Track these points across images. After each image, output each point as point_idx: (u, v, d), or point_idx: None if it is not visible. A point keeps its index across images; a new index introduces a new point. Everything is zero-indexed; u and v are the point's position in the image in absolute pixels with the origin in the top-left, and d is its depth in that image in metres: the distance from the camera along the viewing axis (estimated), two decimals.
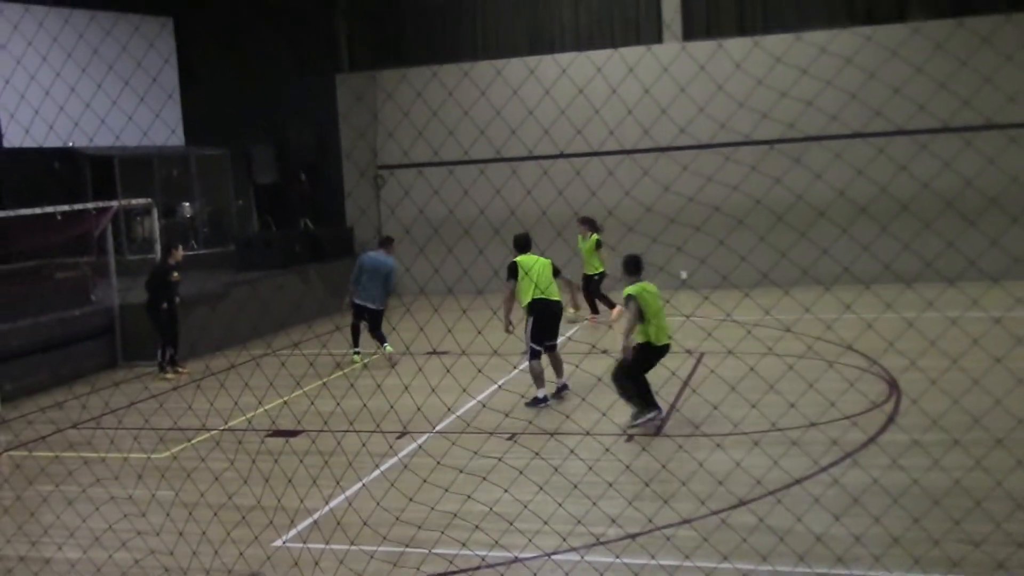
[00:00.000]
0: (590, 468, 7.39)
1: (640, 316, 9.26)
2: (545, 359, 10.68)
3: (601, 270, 15.77)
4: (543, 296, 10.61)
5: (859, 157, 14.58)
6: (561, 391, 10.85)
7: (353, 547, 6.76)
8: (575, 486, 7.36)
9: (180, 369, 13.87)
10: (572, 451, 7.96)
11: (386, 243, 13.92)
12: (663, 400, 9.63)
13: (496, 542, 6.78)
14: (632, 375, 9.38)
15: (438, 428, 9.81)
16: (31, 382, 13.19)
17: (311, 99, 21.29)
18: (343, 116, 21.14)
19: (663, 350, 9.48)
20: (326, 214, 21.25)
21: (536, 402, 10.41)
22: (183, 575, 6.59)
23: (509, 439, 9.24)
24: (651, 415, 9.44)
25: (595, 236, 15.67)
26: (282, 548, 7.04)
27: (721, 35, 18.24)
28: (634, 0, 19.72)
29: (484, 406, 9.06)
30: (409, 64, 20.19)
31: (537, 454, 8.15)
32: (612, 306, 15.45)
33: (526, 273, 10.56)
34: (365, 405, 8.83)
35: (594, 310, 15.97)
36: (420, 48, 20.86)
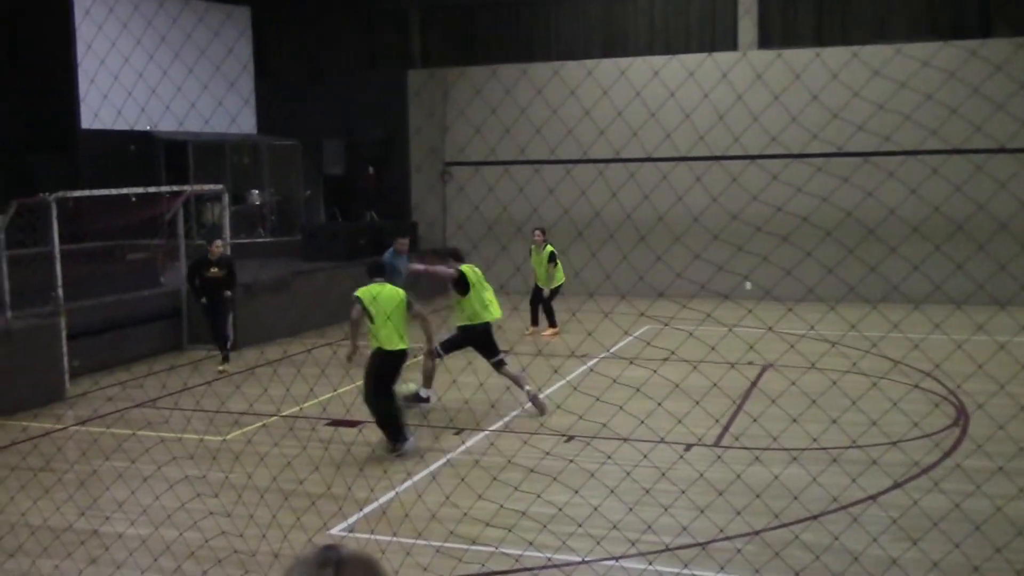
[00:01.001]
0: (663, 474, 7.26)
1: (367, 320, 9.04)
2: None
3: (561, 283, 15.44)
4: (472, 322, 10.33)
5: (956, 173, 14.27)
6: (535, 400, 10.17)
7: (420, 540, 6.71)
8: (647, 491, 7.23)
9: (220, 367, 13.22)
10: (645, 456, 7.83)
11: (394, 243, 13.39)
12: (711, 417, 9.44)
13: (564, 543, 6.69)
14: (378, 391, 9.01)
15: (509, 426, 9.73)
16: (99, 360, 13.34)
17: (382, 94, 21.38)
18: (413, 112, 21.21)
19: (400, 355, 9.15)
20: (392, 208, 21.31)
21: (416, 399, 10.21)
22: (252, 557, 6.58)
23: (567, 441, 9.13)
24: (403, 445, 8.93)
25: (550, 248, 15.18)
26: (349, 536, 7.01)
27: (796, 44, 18.02)
28: (710, 9, 19.57)
29: (559, 407, 8.97)
30: (481, 62, 20.20)
31: (610, 457, 8.04)
32: (552, 324, 15.29)
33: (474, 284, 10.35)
34: (439, 399, 8.77)
35: (552, 323, 15.38)
36: (494, 46, 20.86)
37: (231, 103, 18.62)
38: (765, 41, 18.98)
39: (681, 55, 18.51)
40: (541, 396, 10.27)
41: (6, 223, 11.86)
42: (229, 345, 13.56)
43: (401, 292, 9.22)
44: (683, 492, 7.27)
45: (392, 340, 9.02)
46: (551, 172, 15.81)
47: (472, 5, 21.22)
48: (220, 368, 13.20)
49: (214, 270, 13.24)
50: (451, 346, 10.40)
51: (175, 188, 15.49)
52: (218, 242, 13.63)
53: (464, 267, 10.40)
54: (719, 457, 8.66)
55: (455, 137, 20.33)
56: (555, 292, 15.39)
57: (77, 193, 13.21)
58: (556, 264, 15.20)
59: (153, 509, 7.41)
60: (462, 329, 10.30)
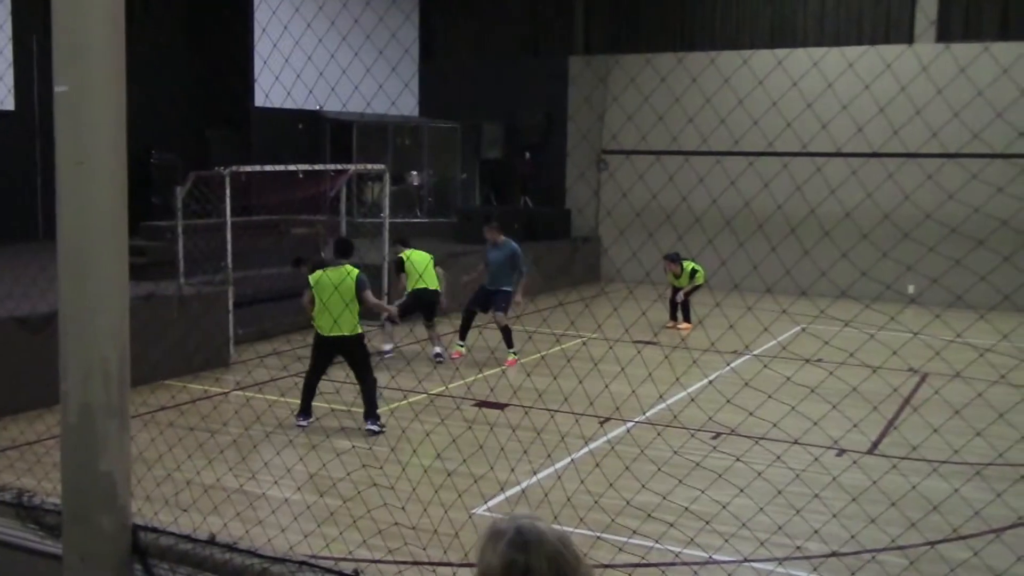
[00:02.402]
0: (797, 475, 7.23)
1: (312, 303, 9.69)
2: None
3: (700, 284, 15.68)
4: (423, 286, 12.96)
5: None
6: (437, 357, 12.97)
7: (554, 526, 6.88)
8: (779, 491, 7.22)
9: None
10: (779, 457, 7.81)
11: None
12: (849, 421, 9.25)
13: (691, 539, 6.75)
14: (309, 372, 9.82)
15: (643, 417, 9.83)
16: (260, 329, 14.08)
17: (542, 79, 21.59)
18: (573, 98, 21.35)
19: (334, 342, 9.58)
20: (547, 194, 21.54)
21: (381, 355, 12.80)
22: (395, 528, 6.89)
23: (713, 437, 9.17)
24: (300, 421, 9.80)
25: (689, 266, 15.58)
26: (483, 515, 7.26)
27: (976, 38, 17.26)
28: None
29: (692, 399, 9.02)
30: (642, 50, 20.16)
31: (738, 459, 8.05)
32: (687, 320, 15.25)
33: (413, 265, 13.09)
34: (582, 383, 8.92)
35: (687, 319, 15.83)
36: (654, 34, 20.78)
37: (395, 85, 19.20)
38: (944, 34, 18.26)
39: (844, 47, 18.03)
40: (441, 355, 12.95)
41: (184, 194, 12.62)
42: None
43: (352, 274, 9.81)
44: (816, 495, 7.23)
45: (326, 326, 9.56)
46: (701, 161, 15.70)
47: None
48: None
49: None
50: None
51: (339, 166, 16.14)
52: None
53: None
54: (854, 462, 8.55)
55: (609, 124, 20.38)
56: (693, 290, 15.54)
57: (248, 168, 13.93)
58: (697, 275, 15.65)
59: (302, 475, 7.85)
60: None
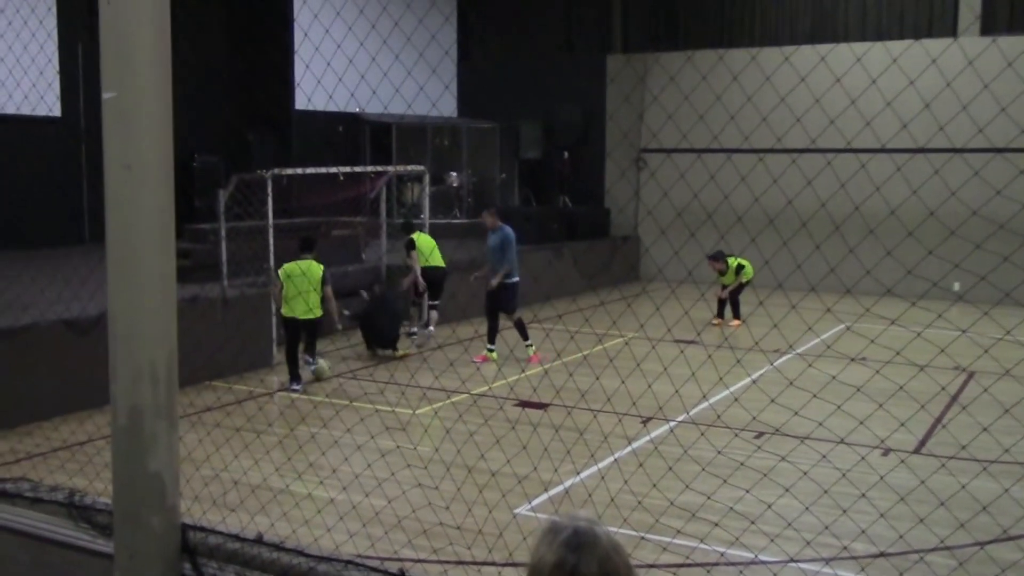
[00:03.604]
0: (843, 475, 7.15)
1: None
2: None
3: (749, 279, 15.66)
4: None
5: None
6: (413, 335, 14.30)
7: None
8: (825, 491, 7.15)
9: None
10: (824, 456, 7.73)
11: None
12: (896, 421, 9.13)
13: (736, 539, 6.71)
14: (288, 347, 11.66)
15: (686, 416, 9.78)
16: None
17: (580, 78, 21.56)
18: (611, 97, 21.29)
19: (303, 323, 11.54)
20: (586, 194, 21.51)
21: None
22: (440, 528, 6.92)
23: (756, 436, 9.11)
24: (293, 385, 11.50)
25: (733, 262, 15.50)
26: (526, 515, 7.26)
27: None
28: None
29: (736, 399, 8.97)
30: (681, 48, 20.07)
31: (784, 458, 7.97)
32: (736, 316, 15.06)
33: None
34: (624, 383, 8.89)
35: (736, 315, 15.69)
36: (694, 31, 20.67)
37: (434, 87, 19.27)
38: (988, 27, 17.99)
39: (887, 41, 17.82)
40: (420, 333, 14.16)
41: (227, 196, 12.74)
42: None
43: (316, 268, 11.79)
44: (863, 495, 7.15)
45: (301, 310, 11.57)
46: (743, 159, 15.58)
47: None
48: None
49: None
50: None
51: (379, 168, 16.22)
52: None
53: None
54: (902, 461, 8.44)
55: (648, 123, 20.30)
56: (742, 287, 15.46)
57: (290, 171, 14.06)
58: (744, 270, 15.62)
59: (347, 475, 7.90)
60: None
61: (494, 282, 13.06)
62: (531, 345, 13.21)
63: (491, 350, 13.31)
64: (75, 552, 3.98)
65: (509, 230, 13.35)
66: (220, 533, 3.69)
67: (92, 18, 3.59)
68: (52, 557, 4.08)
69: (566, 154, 21.26)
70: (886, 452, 8.84)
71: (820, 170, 12.78)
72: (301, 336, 11.68)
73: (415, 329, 14.40)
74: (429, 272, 13.97)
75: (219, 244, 12.73)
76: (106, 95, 3.48)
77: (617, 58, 21.48)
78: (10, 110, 14.19)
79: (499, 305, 13.15)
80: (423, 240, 14.22)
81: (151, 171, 3.50)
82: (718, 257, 15.47)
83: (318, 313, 11.66)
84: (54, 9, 16.24)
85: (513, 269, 13.19)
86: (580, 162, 21.41)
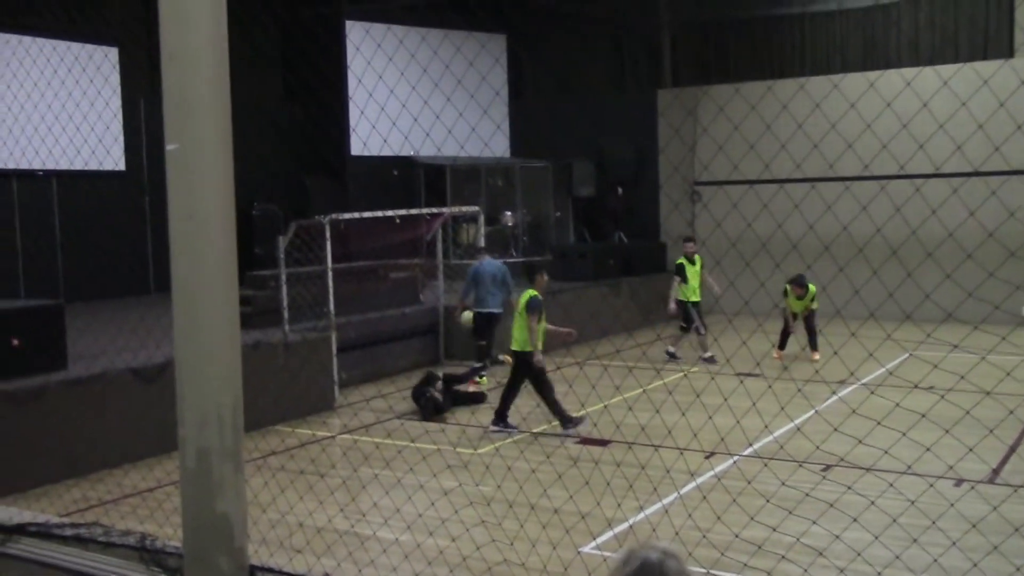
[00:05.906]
0: (912, 503, 7.03)
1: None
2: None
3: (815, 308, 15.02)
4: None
5: None
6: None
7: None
8: (894, 520, 7.03)
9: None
10: (891, 485, 7.62)
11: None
12: (964, 447, 8.94)
13: (805, 570, 6.62)
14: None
15: (749, 450, 9.68)
16: (363, 372, 14.32)
17: (632, 114, 21.63)
18: (662, 131, 21.32)
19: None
20: (641, 229, 21.49)
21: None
22: (504, 566, 6.92)
23: (823, 469, 8.98)
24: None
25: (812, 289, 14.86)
26: (591, 554, 7.23)
27: None
28: (983, 14, 18.51)
29: (799, 429, 8.86)
30: (731, 80, 20.05)
31: (850, 488, 7.85)
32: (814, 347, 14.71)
33: None
34: (685, 415, 8.85)
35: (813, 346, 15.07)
36: (743, 64, 20.66)
37: (486, 128, 19.46)
38: None
39: (938, 65, 17.65)
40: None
41: (286, 243, 12.96)
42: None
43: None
44: (933, 523, 7.02)
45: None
46: (796, 188, 15.50)
47: (723, 23, 21.11)
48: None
49: None
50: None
51: (434, 210, 16.40)
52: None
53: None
54: (972, 488, 8.28)
55: (700, 155, 20.28)
56: (813, 314, 15.04)
57: (347, 216, 14.26)
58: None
59: (411, 515, 7.94)
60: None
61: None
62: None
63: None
64: None
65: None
66: (288, 574, 3.75)
67: (154, 73, 3.73)
68: None
69: (620, 190, 21.29)
70: (958, 483, 8.66)
71: (874, 196, 12.68)
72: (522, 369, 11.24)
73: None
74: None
75: (280, 290, 12.93)
76: (169, 147, 3.60)
77: (667, 92, 21.53)
78: (78, 166, 14.63)
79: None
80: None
81: (213, 220, 3.61)
82: (800, 281, 15.02)
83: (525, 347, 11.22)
84: (117, 67, 16.75)
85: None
86: (634, 197, 21.42)
